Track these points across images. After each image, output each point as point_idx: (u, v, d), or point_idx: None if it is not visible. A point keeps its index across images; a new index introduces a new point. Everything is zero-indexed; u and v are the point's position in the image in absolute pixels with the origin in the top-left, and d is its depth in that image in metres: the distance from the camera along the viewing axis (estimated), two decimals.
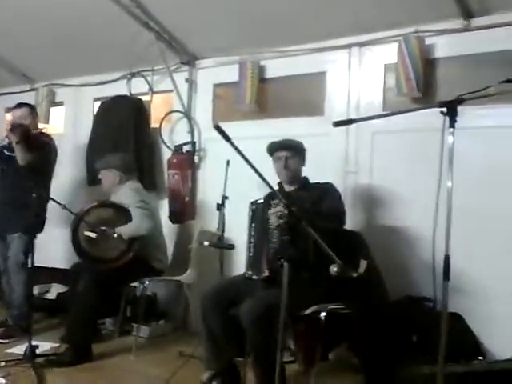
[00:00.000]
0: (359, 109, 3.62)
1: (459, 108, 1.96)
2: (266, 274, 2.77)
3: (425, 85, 3.30)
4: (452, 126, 1.93)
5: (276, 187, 3.01)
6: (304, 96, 3.95)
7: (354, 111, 3.63)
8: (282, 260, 2.03)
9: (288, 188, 3.09)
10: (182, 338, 3.94)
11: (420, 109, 2.14)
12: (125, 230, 3.50)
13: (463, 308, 3.12)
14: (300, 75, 3.93)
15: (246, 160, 1.86)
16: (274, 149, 3.08)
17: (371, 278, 2.92)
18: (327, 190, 3.01)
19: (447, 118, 1.94)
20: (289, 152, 3.04)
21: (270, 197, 2.95)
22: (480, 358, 2.78)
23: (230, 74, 4.11)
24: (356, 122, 1.99)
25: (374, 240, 3.22)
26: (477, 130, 3.10)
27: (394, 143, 3.45)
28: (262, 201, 2.95)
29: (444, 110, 1.94)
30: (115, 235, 3.48)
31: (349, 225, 3.44)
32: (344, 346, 3.21)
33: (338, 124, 1.96)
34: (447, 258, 1.93)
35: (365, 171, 3.58)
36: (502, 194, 3.11)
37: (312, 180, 3.13)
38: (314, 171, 3.16)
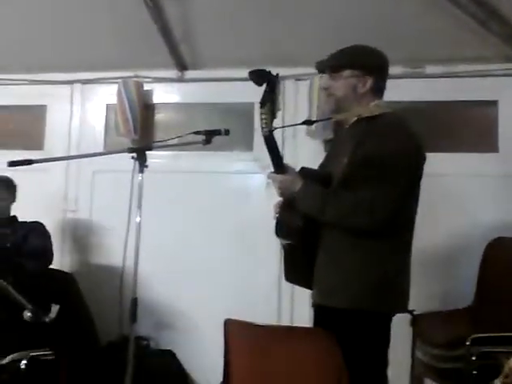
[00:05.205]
0: (80, 146, 3.55)
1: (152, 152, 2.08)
2: None
3: (143, 128, 3.38)
4: (141, 170, 2.01)
5: None
6: (23, 128, 3.73)
7: (75, 148, 3.55)
8: None
9: None
10: None
11: (111, 153, 2.19)
12: None
13: (175, 344, 3.23)
14: (19, 106, 3.72)
15: None
16: None
17: (79, 322, 2.84)
18: (34, 228, 2.93)
19: (137, 162, 2.02)
20: None
21: None
22: None
23: None
24: (35, 163, 1.91)
25: (88, 281, 3.20)
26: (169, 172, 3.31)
27: (114, 182, 3.43)
28: None
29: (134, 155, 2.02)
30: None
31: (65, 265, 3.33)
32: None
33: (12, 164, 1.85)
34: (134, 301, 1.97)
35: (85, 210, 3.50)
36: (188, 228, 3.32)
37: (27, 218, 2.99)
38: (32, 208, 3.06)
